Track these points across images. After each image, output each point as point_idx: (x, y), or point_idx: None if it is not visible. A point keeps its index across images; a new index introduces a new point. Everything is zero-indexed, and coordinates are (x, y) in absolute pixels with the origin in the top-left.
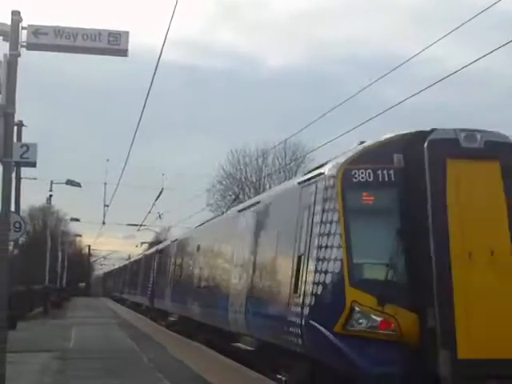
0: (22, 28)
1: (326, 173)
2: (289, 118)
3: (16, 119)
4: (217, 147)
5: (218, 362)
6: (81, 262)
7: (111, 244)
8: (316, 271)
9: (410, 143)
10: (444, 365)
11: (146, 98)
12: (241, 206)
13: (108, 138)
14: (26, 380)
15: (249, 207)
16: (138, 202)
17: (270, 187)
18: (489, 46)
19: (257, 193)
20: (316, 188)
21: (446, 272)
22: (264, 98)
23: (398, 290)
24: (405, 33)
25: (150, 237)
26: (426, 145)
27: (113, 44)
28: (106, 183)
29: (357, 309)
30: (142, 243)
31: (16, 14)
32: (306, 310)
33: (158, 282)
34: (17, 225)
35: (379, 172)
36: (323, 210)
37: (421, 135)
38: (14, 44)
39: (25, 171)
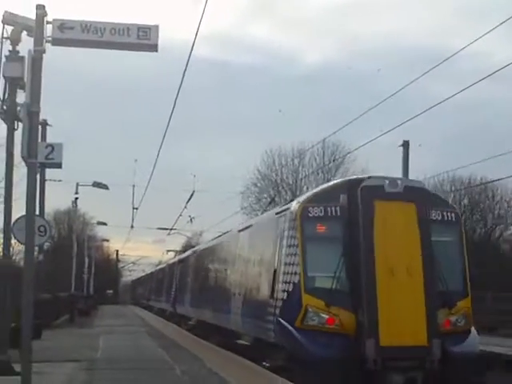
0: (47, 22)
1: (291, 208)
2: (327, 116)
3: (40, 118)
4: (251, 147)
5: (257, 374)
6: (108, 268)
7: (140, 249)
8: (283, 282)
9: (352, 187)
10: (370, 350)
11: (177, 97)
12: (241, 227)
13: (136, 138)
14: None
15: (245, 228)
16: (169, 205)
17: (307, 189)
18: None
19: (293, 195)
20: (285, 219)
21: (372, 282)
22: (300, 95)
23: (340, 296)
24: (447, 26)
25: (180, 241)
26: (359, 189)
27: (142, 39)
28: (134, 185)
29: (310, 309)
30: (167, 251)
31: (41, 8)
32: (277, 311)
33: (180, 289)
34: (41, 229)
35: (329, 208)
36: (288, 236)
37: (359, 181)
38: (39, 39)
39: (49, 173)
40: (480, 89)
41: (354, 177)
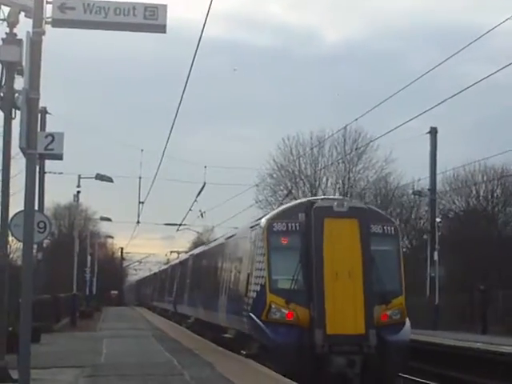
0: (47, 2)
1: (260, 224)
2: (348, 100)
3: (39, 106)
4: (266, 136)
5: (271, 380)
6: (112, 266)
7: (147, 246)
8: (254, 283)
9: (308, 207)
10: (318, 337)
11: (186, 81)
12: (228, 235)
13: (143, 127)
14: None
15: (229, 237)
16: (177, 199)
17: (326, 181)
18: None
19: (312, 187)
20: (256, 232)
21: (321, 284)
22: (319, 78)
23: (297, 295)
24: (475, 3)
25: (191, 238)
26: (312, 209)
27: (149, 19)
28: (140, 177)
29: (273, 306)
30: (171, 252)
31: None
32: (249, 307)
33: (180, 289)
34: (41, 225)
35: (290, 224)
36: (258, 246)
37: (314, 202)
38: (38, 20)
39: (49, 165)
40: None
41: (311, 198)
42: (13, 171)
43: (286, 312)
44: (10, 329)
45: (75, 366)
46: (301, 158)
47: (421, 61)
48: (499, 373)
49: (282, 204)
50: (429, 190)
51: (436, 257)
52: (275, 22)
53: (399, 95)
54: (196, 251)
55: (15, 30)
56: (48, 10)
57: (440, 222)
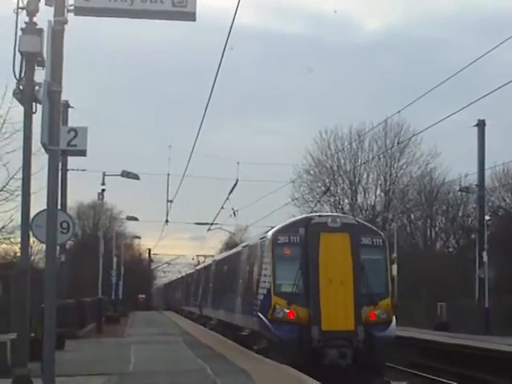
0: None
1: (267, 236)
2: (390, 92)
3: (62, 99)
4: (300, 129)
5: None
6: (140, 269)
7: (176, 247)
8: (262, 287)
9: (307, 222)
10: (315, 333)
11: (217, 72)
12: (244, 243)
13: (171, 121)
14: None
15: (245, 246)
16: (208, 197)
17: (367, 177)
18: None
19: (352, 184)
20: (264, 243)
21: (317, 288)
22: (358, 68)
23: (297, 297)
24: None
25: (223, 238)
26: (310, 225)
27: (178, 6)
28: (168, 174)
29: (277, 307)
30: (197, 256)
31: None
32: (257, 307)
33: (204, 293)
34: (64, 225)
35: (292, 237)
36: (265, 256)
37: (312, 218)
38: (60, 9)
39: (72, 161)
40: None
41: (309, 215)
42: (34, 168)
43: (288, 311)
44: (33, 335)
45: (102, 373)
46: (339, 153)
47: (466, 49)
48: None
49: (319, 202)
50: (477, 186)
51: (485, 257)
52: (309, 9)
53: (444, 85)
54: (218, 257)
55: (35, 19)
56: None
57: (489, 220)
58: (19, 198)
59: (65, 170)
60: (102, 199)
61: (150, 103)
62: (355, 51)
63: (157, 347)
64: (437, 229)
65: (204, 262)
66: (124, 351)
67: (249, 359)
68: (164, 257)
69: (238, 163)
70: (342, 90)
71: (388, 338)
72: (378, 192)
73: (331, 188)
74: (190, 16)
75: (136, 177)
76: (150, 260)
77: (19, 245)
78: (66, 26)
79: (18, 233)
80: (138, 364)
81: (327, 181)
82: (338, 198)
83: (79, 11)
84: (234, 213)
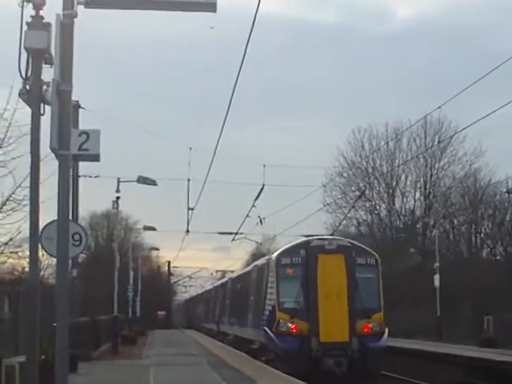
0: None
1: (272, 258)
2: (429, 86)
3: (72, 99)
4: (331, 128)
5: None
6: (159, 283)
7: (198, 259)
8: (267, 304)
9: (307, 245)
10: (313, 344)
11: (240, 67)
12: (254, 263)
13: (191, 122)
14: None
15: (254, 266)
16: (233, 204)
17: (405, 179)
18: None
19: (388, 187)
20: (269, 264)
21: (315, 303)
22: (393, 60)
23: (299, 312)
24: None
25: (248, 248)
26: (309, 247)
27: None
28: (189, 180)
29: (281, 321)
30: (217, 271)
31: None
32: (264, 322)
33: (221, 310)
34: (76, 237)
35: (294, 259)
36: (270, 276)
37: (311, 242)
38: (69, 1)
39: (84, 167)
40: None
41: (308, 238)
42: (42, 175)
43: (291, 325)
44: (43, 357)
45: None
46: (375, 154)
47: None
48: None
49: (353, 208)
50: None
51: None
52: None
53: (489, 76)
54: (233, 275)
55: (42, 13)
56: None
57: None
58: (27, 208)
59: (76, 177)
60: (117, 208)
61: (167, 103)
62: (390, 42)
63: (178, 369)
64: (482, 235)
65: (223, 277)
66: (142, 374)
67: (277, 381)
68: (185, 270)
69: (263, 166)
70: (375, 84)
71: (380, 349)
72: (418, 195)
73: (366, 192)
74: (210, 7)
75: (153, 183)
76: (170, 273)
77: (27, 259)
78: (75, 20)
79: (27, 246)
80: None
81: (362, 184)
82: (373, 202)
83: (90, 3)
84: (261, 221)
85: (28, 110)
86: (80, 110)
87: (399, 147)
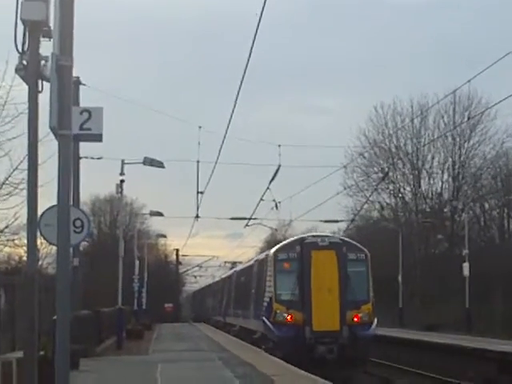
0: None
1: (269, 254)
2: (457, 58)
3: (72, 75)
4: (354, 104)
5: None
6: (167, 273)
7: (209, 247)
8: (266, 296)
9: (302, 241)
10: (307, 333)
11: (254, 37)
12: (256, 258)
13: (200, 99)
14: None
15: (256, 260)
16: (246, 187)
17: (432, 159)
18: None
19: (414, 168)
20: (267, 259)
21: (309, 295)
22: (421, 30)
23: (294, 303)
24: None
25: (263, 235)
26: (304, 243)
27: None
28: (198, 161)
29: (278, 312)
30: (225, 262)
31: None
32: (263, 313)
33: (227, 302)
34: (77, 223)
35: (290, 254)
36: (268, 270)
37: (305, 238)
38: None
39: (85, 148)
40: None
41: (303, 235)
42: (41, 157)
43: (287, 316)
44: (42, 353)
45: None
46: (399, 132)
47: None
48: None
49: (376, 190)
50: None
51: None
52: None
53: None
54: (238, 268)
55: None
56: None
57: None
58: (24, 193)
59: (77, 159)
60: (121, 192)
61: (175, 79)
62: (415, 10)
63: (188, 366)
64: None
65: (233, 267)
66: (149, 371)
67: (297, 379)
68: (194, 259)
69: (279, 146)
70: (399, 56)
71: (369, 337)
72: (445, 177)
73: (390, 173)
74: None
75: (160, 165)
76: (178, 262)
77: (25, 247)
78: None
79: (24, 233)
80: None
81: (385, 165)
82: (397, 185)
83: None
84: (276, 205)
85: (25, 87)
86: (81, 87)
87: (425, 125)
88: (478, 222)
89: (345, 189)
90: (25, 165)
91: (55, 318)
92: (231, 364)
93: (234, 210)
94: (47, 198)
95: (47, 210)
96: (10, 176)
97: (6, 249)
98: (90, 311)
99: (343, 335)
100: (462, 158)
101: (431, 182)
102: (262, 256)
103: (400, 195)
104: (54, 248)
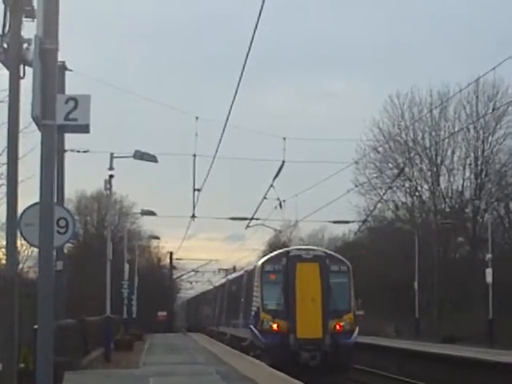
0: None
1: (257, 265)
2: (481, 43)
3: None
4: (366, 92)
5: None
6: (159, 278)
7: (206, 250)
8: (254, 306)
9: (288, 254)
10: (292, 340)
11: (259, 17)
12: (245, 268)
13: (197, 87)
14: None
15: (246, 271)
16: (247, 184)
17: (452, 154)
18: None
19: (432, 164)
20: (255, 271)
21: (293, 305)
22: (441, 14)
23: (280, 313)
24: None
25: (265, 237)
26: (289, 256)
27: None
28: (195, 155)
29: (264, 320)
30: (219, 270)
31: None
32: (251, 321)
33: (219, 311)
34: (61, 223)
35: (276, 266)
36: (255, 281)
37: (290, 251)
38: None
39: (70, 140)
40: None
41: (288, 248)
42: (22, 150)
43: (273, 324)
44: (22, 365)
45: None
46: (416, 124)
47: None
48: None
49: (390, 188)
50: None
51: None
52: None
53: None
54: (230, 277)
55: None
56: None
57: None
58: (3, 189)
59: (62, 152)
60: (110, 188)
61: (169, 64)
62: None
63: (182, 381)
64: None
65: (226, 276)
66: None
67: None
68: (190, 263)
69: (284, 139)
70: (417, 41)
71: (350, 344)
72: (467, 174)
73: (406, 169)
74: None
75: (153, 159)
76: (172, 267)
77: (3, 249)
78: None
79: (3, 234)
80: None
81: (401, 160)
82: (414, 182)
83: None
84: (280, 204)
85: (5, 73)
86: (67, 73)
87: (445, 116)
88: (503, 223)
89: (356, 186)
90: (4, 158)
91: (36, 326)
92: (230, 379)
93: (233, 209)
94: (29, 194)
95: (28, 208)
96: None
97: None
98: (75, 320)
99: (326, 343)
100: (485, 153)
101: (451, 179)
102: (251, 267)
103: (417, 194)
104: (36, 250)
